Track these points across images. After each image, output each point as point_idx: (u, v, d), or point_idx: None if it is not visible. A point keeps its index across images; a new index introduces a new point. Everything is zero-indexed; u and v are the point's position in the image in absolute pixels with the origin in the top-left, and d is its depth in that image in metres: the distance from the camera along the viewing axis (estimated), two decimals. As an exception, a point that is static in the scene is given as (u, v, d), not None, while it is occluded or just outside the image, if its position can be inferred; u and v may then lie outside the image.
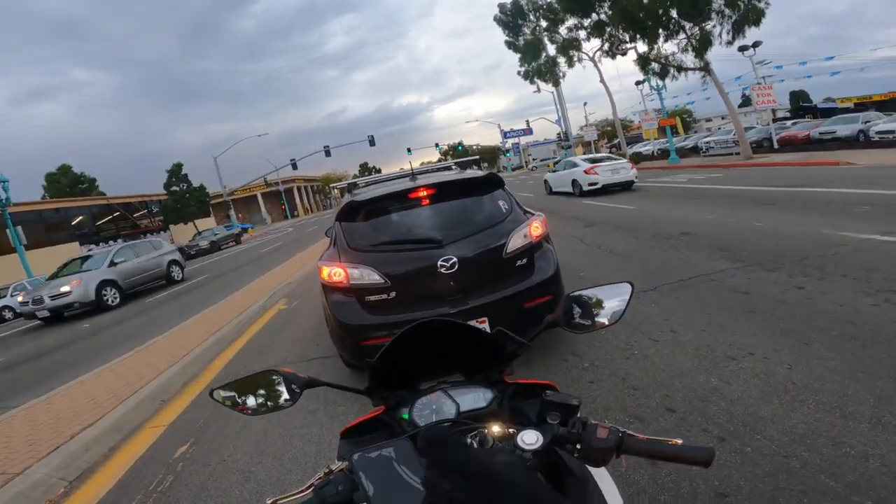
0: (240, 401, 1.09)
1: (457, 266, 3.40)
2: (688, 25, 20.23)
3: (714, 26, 19.72)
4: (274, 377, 1.10)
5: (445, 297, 3.46)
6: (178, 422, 4.00)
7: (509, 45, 34.84)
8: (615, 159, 16.06)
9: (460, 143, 69.57)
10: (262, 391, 1.10)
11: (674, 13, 19.86)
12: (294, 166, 44.88)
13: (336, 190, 8.31)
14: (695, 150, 28.17)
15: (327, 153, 43.28)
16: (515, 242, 3.58)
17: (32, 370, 7.53)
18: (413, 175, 4.23)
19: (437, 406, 1.08)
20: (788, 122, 26.63)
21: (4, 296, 18.45)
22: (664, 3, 19.62)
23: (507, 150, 66.25)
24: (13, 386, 6.63)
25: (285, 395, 1.09)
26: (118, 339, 8.52)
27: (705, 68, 20.72)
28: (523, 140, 65.23)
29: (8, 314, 17.83)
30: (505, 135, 61.05)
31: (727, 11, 19.12)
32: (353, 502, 0.77)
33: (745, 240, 6.22)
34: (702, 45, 19.93)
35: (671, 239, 7.07)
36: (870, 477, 1.94)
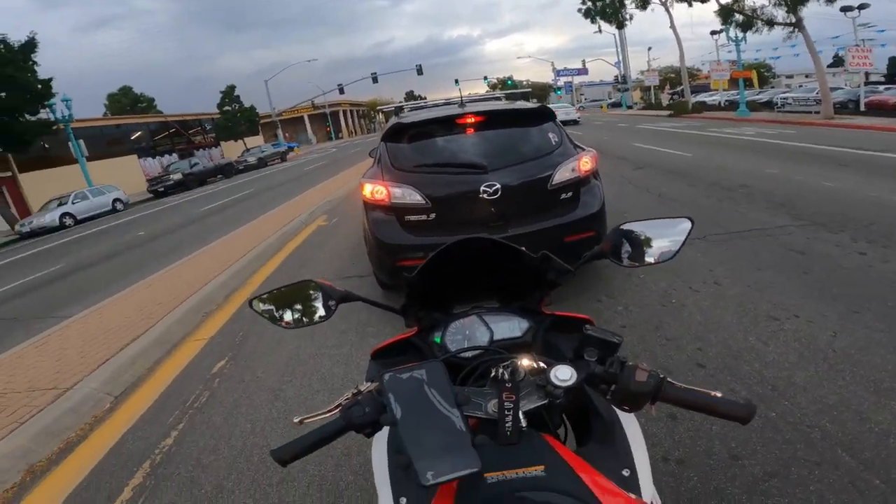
0: (277, 313, 1.09)
1: (499, 193, 3.38)
2: None
3: None
4: (311, 289, 1.08)
5: (485, 223, 3.45)
6: (218, 336, 4.15)
7: None
8: (565, 106, 23.77)
9: (510, 78, 66.81)
10: (298, 303, 1.09)
11: None
12: (341, 91, 44.52)
13: (381, 114, 8.29)
14: (768, 105, 25.86)
15: (374, 80, 42.61)
16: (562, 175, 3.52)
17: (89, 278, 7.84)
18: (462, 103, 4.12)
19: (469, 332, 1.06)
20: (881, 87, 23.87)
21: (66, 203, 19.25)
22: None
23: (559, 88, 62.94)
24: (70, 294, 6.88)
25: (321, 311, 1.07)
26: (170, 247, 9.01)
27: (797, 24, 18.53)
28: (577, 80, 61.54)
29: (69, 221, 18.65)
30: (558, 73, 57.75)
31: None
32: (379, 424, 0.75)
33: (810, 198, 5.78)
34: (800, 1, 17.71)
35: (728, 190, 6.65)
36: (886, 456, 1.86)
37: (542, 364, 0.83)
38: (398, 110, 4.80)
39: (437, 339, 1.06)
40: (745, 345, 2.77)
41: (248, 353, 3.70)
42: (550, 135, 3.72)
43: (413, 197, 3.47)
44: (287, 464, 0.75)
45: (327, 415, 0.79)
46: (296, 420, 0.80)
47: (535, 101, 5.25)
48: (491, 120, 3.73)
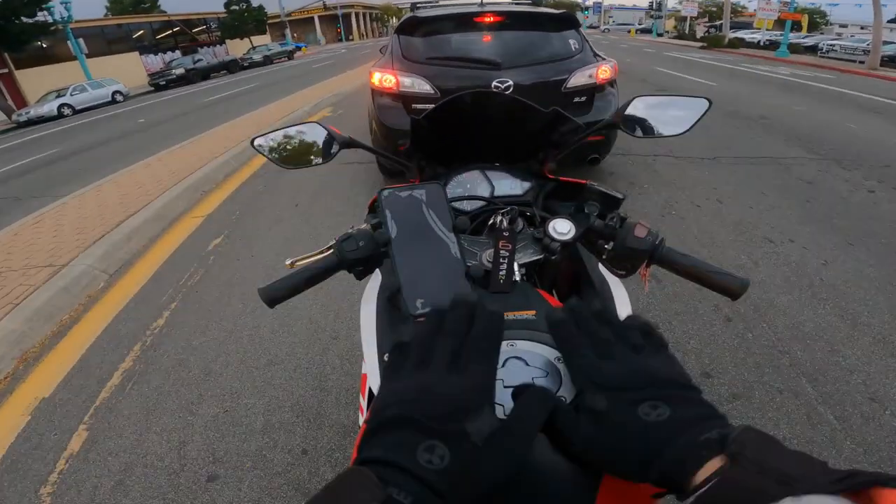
0: (278, 151, 1.06)
1: (511, 90, 3.31)
2: None
3: None
4: (315, 131, 1.06)
5: None
6: (216, 213, 4.13)
7: None
8: None
9: (535, -8, 61.96)
10: (301, 144, 1.07)
11: None
12: (355, -8, 41.71)
13: (394, 19, 7.79)
14: (812, 50, 24.16)
15: (391, -18, 39.70)
16: (578, 79, 3.47)
17: (89, 160, 7.62)
18: (482, 2, 4.03)
19: (471, 185, 1.03)
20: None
21: (64, 95, 18.83)
22: None
23: (586, 9, 58.82)
24: (70, 175, 6.68)
25: (322, 153, 1.05)
26: (170, 132, 8.81)
27: None
28: (607, 1, 57.29)
29: (67, 111, 18.35)
30: (588, -8, 53.69)
31: None
32: (370, 264, 0.72)
33: (830, 137, 5.56)
34: None
35: (747, 119, 6.41)
36: (845, 392, 1.88)
37: (542, 216, 0.80)
38: (414, 7, 4.71)
39: None
40: (735, 262, 2.77)
41: (244, 231, 3.71)
42: (571, 41, 3.63)
43: (422, 87, 3.44)
44: (275, 304, 0.70)
45: (320, 256, 0.75)
46: (287, 262, 0.75)
47: None
48: (511, 21, 3.63)
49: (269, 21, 42.66)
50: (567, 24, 3.68)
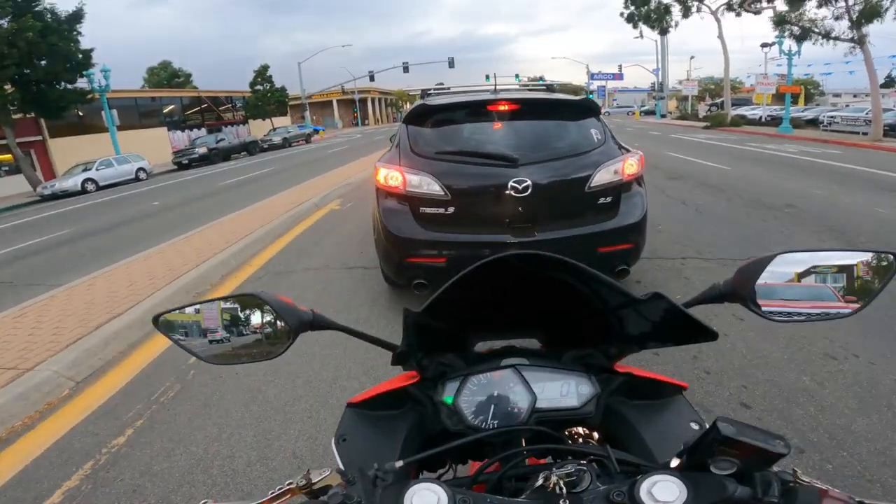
0: (197, 336, 0.73)
1: (529, 190, 2.99)
2: None
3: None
4: (259, 307, 0.70)
5: (510, 224, 3.08)
6: None
7: None
8: None
9: (542, 78, 65.81)
10: (234, 326, 0.72)
11: None
12: (371, 78, 44.43)
13: (407, 104, 7.92)
14: (813, 123, 24.74)
15: (405, 69, 42.35)
16: (603, 177, 3.12)
17: (93, 245, 7.70)
18: (496, 88, 3.74)
19: (500, 393, 0.72)
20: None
21: (90, 169, 19.46)
22: None
23: (591, 92, 61.85)
24: (70, 261, 6.71)
25: (270, 341, 0.70)
26: (180, 219, 8.85)
27: (860, 41, 17.53)
28: (610, 84, 60.29)
29: (90, 186, 18.79)
30: (592, 76, 56.69)
31: None
32: None
33: (862, 225, 5.25)
34: (867, 17, 16.71)
35: (772, 209, 6.13)
36: None
37: (622, 464, 0.53)
38: (424, 93, 4.46)
39: (448, 399, 0.73)
40: (797, 385, 2.47)
41: None
42: (593, 131, 3.31)
43: (431, 186, 3.09)
44: None
45: None
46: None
47: None
48: (527, 109, 3.34)
49: (291, 102, 45.18)
50: (587, 112, 3.40)
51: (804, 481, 0.46)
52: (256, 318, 0.71)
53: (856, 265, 0.68)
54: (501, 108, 3.26)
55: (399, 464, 0.56)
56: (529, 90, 4.65)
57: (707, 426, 0.45)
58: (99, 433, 2.49)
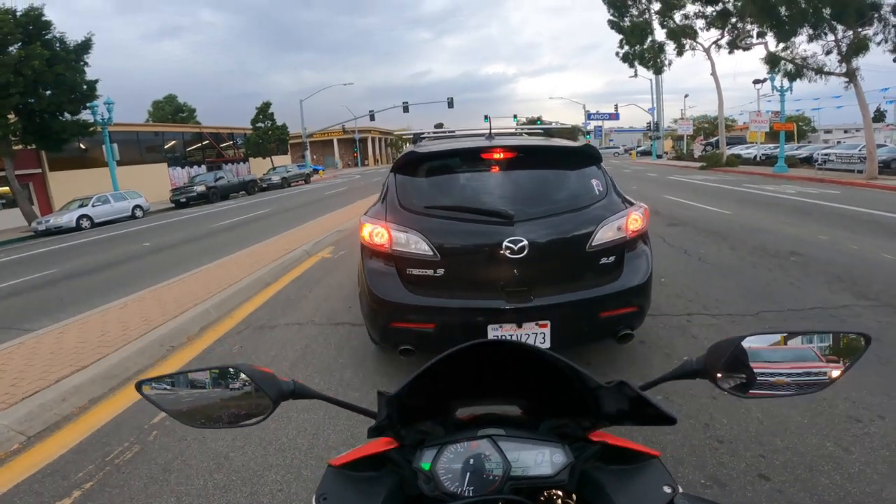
0: (180, 403, 0.79)
1: (526, 251, 2.73)
2: (841, 28, 17.40)
3: (875, 33, 16.86)
4: (239, 378, 0.79)
5: (504, 288, 2.80)
6: None
7: (612, 24, 31.98)
8: None
9: (539, 118, 67.24)
10: (219, 395, 0.79)
11: (826, 12, 17.04)
12: (372, 118, 45.36)
13: (407, 145, 8.10)
14: (807, 161, 25.04)
15: (405, 109, 43.29)
16: (604, 235, 2.88)
17: (75, 287, 7.53)
18: (490, 135, 3.52)
19: (476, 461, 0.76)
20: (928, 145, 22.93)
21: (86, 205, 19.45)
22: (818, 1, 16.84)
23: (588, 133, 63.08)
24: (48, 304, 6.56)
25: (251, 409, 0.79)
26: (168, 262, 8.65)
27: (851, 75, 17.90)
28: (607, 124, 61.60)
29: (85, 223, 18.75)
30: (588, 116, 57.98)
31: (893, 21, 16.23)
32: None
33: (872, 273, 5.07)
34: (856, 51, 17.13)
35: (778, 257, 5.94)
36: None
37: None
38: (417, 138, 4.32)
39: (426, 466, 0.77)
40: (820, 452, 2.29)
41: None
42: (594, 181, 3.07)
43: (419, 245, 2.84)
44: None
45: None
46: None
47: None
48: (524, 158, 3.10)
49: (292, 141, 45.81)
50: (588, 160, 3.15)
51: None
52: (237, 388, 0.79)
53: (853, 341, 0.76)
54: (496, 156, 3.03)
55: None
56: (528, 133, 4.45)
57: (680, 490, 0.60)
58: (44, 493, 2.35)
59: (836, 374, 0.77)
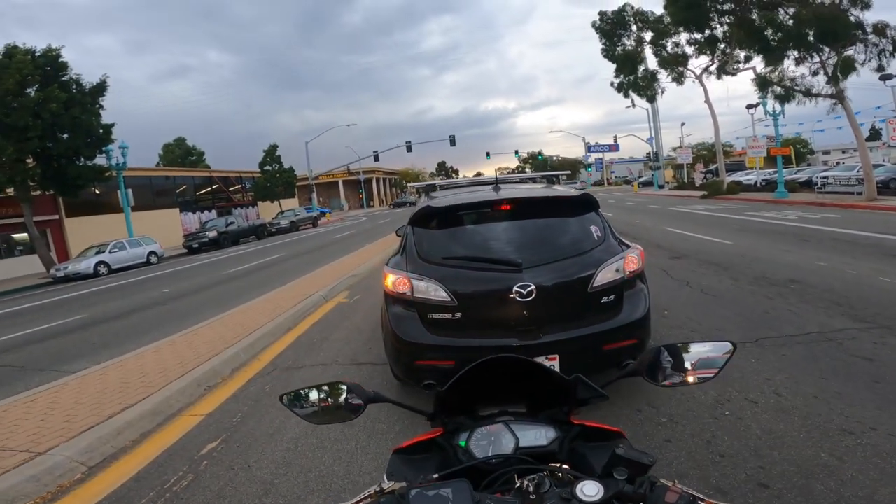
0: (306, 408, 1.16)
1: (534, 295, 3.03)
2: (826, 50, 18.00)
3: (858, 54, 17.42)
4: (341, 389, 1.16)
5: (515, 328, 3.12)
6: (217, 413, 3.90)
7: (605, 54, 32.71)
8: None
9: (540, 153, 68.40)
10: (328, 401, 1.16)
11: (811, 35, 17.67)
12: (376, 158, 46.19)
13: (414, 190, 8.24)
14: (807, 185, 25.21)
15: (408, 148, 44.21)
16: (605, 276, 3.17)
17: (105, 332, 7.83)
18: (497, 184, 3.95)
19: (496, 438, 1.07)
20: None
21: (103, 251, 19.87)
22: (801, 24, 17.47)
23: (589, 165, 64.00)
24: (81, 348, 6.85)
25: (349, 410, 1.13)
26: (190, 308, 8.98)
27: (838, 96, 18.31)
28: (608, 156, 62.69)
29: (103, 269, 19.14)
30: (589, 148, 59.04)
31: (873, 39, 16.84)
32: None
33: (869, 296, 5.28)
34: (843, 72, 17.60)
35: (777, 286, 6.18)
36: None
37: (570, 476, 0.84)
38: (430, 189, 4.69)
39: (462, 443, 1.08)
40: (816, 461, 2.48)
41: (244, 436, 3.41)
42: (593, 228, 3.41)
43: (438, 293, 3.16)
44: None
45: None
46: None
47: (564, 179, 4.94)
48: (528, 208, 3.49)
49: (298, 183, 46.56)
50: (586, 207, 3.50)
51: (664, 482, 0.78)
52: (341, 395, 1.15)
53: (707, 348, 1.14)
54: (504, 208, 3.44)
55: (434, 476, 0.89)
56: (531, 181, 4.89)
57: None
58: None
59: (716, 369, 1.12)
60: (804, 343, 4.13)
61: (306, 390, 1.17)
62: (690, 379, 1.11)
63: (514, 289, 3.03)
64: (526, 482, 0.77)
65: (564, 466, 0.90)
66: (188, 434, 3.55)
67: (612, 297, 3.20)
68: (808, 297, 5.49)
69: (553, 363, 3.05)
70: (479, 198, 3.63)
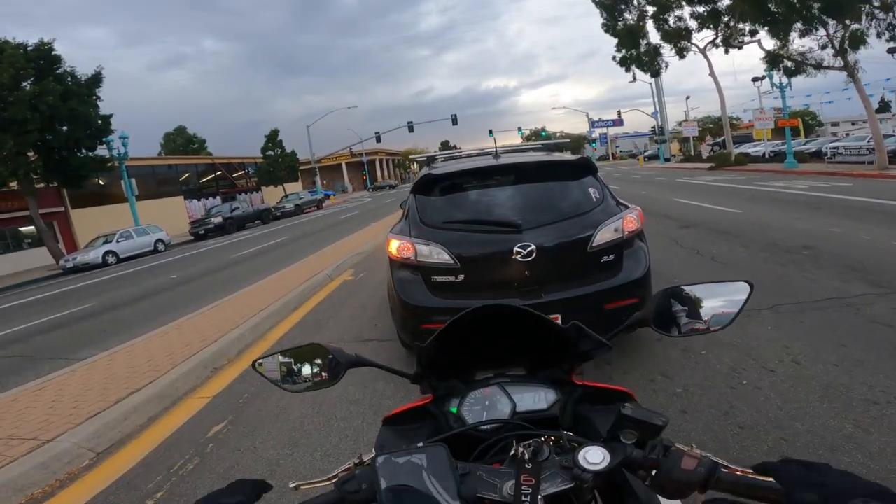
0: (281, 375, 1.05)
1: (534, 255, 3.09)
2: (832, 23, 17.52)
3: (866, 27, 16.96)
4: (319, 352, 1.05)
5: (517, 287, 3.18)
6: (223, 394, 3.88)
7: (606, 28, 31.96)
8: None
9: (544, 129, 67.69)
10: (304, 366, 1.05)
11: (816, 8, 17.18)
12: (378, 139, 45.91)
13: (415, 163, 8.61)
14: (817, 156, 24.81)
15: (410, 129, 43.76)
16: (604, 236, 3.21)
17: (113, 320, 7.85)
18: (497, 153, 3.95)
19: (490, 402, 1.00)
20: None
21: (111, 241, 19.97)
22: None
23: (594, 140, 63.16)
24: (90, 336, 6.86)
25: (328, 375, 1.04)
26: (198, 292, 8.99)
27: (849, 69, 17.91)
28: (612, 131, 61.76)
29: (111, 259, 19.27)
30: (593, 124, 58.20)
31: (880, 15, 16.37)
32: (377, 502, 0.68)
33: (885, 262, 5.14)
34: (852, 45, 17.19)
35: (791, 252, 6.04)
36: None
37: (571, 443, 0.76)
38: (430, 160, 4.72)
39: (454, 409, 1.00)
40: (841, 433, 2.36)
41: (250, 417, 3.38)
42: (591, 190, 3.42)
43: (441, 256, 3.21)
44: None
45: (325, 483, 0.78)
46: (292, 485, 0.81)
47: (569, 152, 5.06)
48: (527, 173, 3.52)
49: (301, 167, 46.46)
50: (585, 170, 3.53)
51: (679, 447, 0.68)
52: (319, 360, 1.04)
53: (720, 291, 1.01)
54: (503, 173, 3.49)
55: (420, 444, 0.75)
56: (531, 149, 4.85)
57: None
58: (119, 503, 2.52)
59: (734, 312, 0.98)
60: (821, 309, 4.03)
61: (282, 355, 1.05)
62: (704, 326, 0.98)
63: (515, 249, 3.08)
64: (521, 449, 0.68)
65: (566, 432, 0.82)
66: (194, 417, 3.54)
67: (611, 257, 3.24)
68: (822, 263, 5.36)
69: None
70: (478, 163, 3.73)
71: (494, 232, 3.24)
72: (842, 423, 2.44)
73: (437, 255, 3.22)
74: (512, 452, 0.74)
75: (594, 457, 0.67)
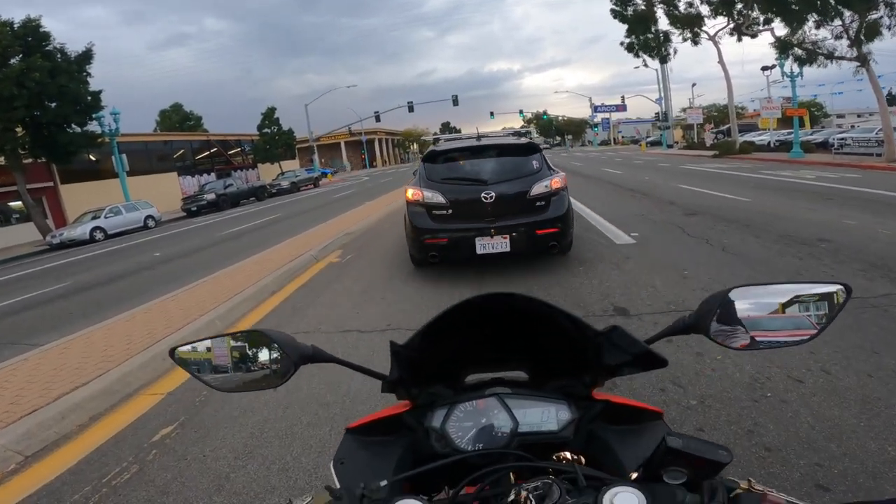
0: (209, 368, 0.79)
1: (493, 198, 4.94)
2: (847, 13, 16.96)
3: (881, 17, 16.44)
4: (262, 342, 0.79)
5: (483, 218, 4.97)
6: (179, 391, 3.47)
7: (615, 14, 31.21)
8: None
9: (545, 113, 66.87)
10: (242, 360, 0.79)
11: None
12: (377, 118, 45.29)
13: (415, 144, 11.05)
14: (823, 146, 24.37)
15: (410, 108, 43.21)
16: (538, 189, 5.07)
17: (85, 300, 7.46)
18: (479, 137, 5.88)
19: (485, 419, 0.79)
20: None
21: (99, 217, 19.48)
22: None
23: (596, 125, 62.31)
24: (56, 318, 6.49)
25: (272, 372, 0.78)
26: (178, 272, 8.56)
27: (862, 60, 17.42)
28: (615, 116, 60.83)
29: (99, 235, 18.77)
30: (595, 108, 57.35)
31: None
32: None
33: (907, 258, 4.77)
34: (868, 36, 16.67)
35: (806, 245, 5.66)
36: None
37: (589, 479, 0.58)
38: (436, 140, 6.44)
39: (437, 426, 0.80)
40: (883, 457, 2.05)
41: (205, 419, 3.00)
42: (534, 162, 5.28)
43: (437, 198, 5.11)
44: None
45: None
46: None
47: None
48: (495, 150, 5.46)
49: (299, 145, 45.80)
50: (532, 150, 5.42)
51: (757, 489, 0.54)
52: (263, 352, 0.79)
53: (835, 293, 0.75)
54: (481, 150, 5.45)
55: (383, 483, 0.60)
56: (508, 135, 6.64)
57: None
58: None
59: (820, 324, 0.75)
60: (846, 310, 3.54)
61: (210, 343, 0.80)
62: (781, 338, 0.74)
63: (483, 195, 4.96)
64: (525, 493, 0.55)
65: (583, 465, 0.65)
66: (142, 417, 3.16)
67: (542, 203, 5.07)
68: (841, 258, 4.99)
69: (505, 240, 4.87)
70: (465, 143, 5.67)
71: (471, 185, 5.11)
72: (883, 445, 2.12)
73: (435, 198, 5.10)
74: (511, 499, 0.57)
75: (625, 503, 0.51)
